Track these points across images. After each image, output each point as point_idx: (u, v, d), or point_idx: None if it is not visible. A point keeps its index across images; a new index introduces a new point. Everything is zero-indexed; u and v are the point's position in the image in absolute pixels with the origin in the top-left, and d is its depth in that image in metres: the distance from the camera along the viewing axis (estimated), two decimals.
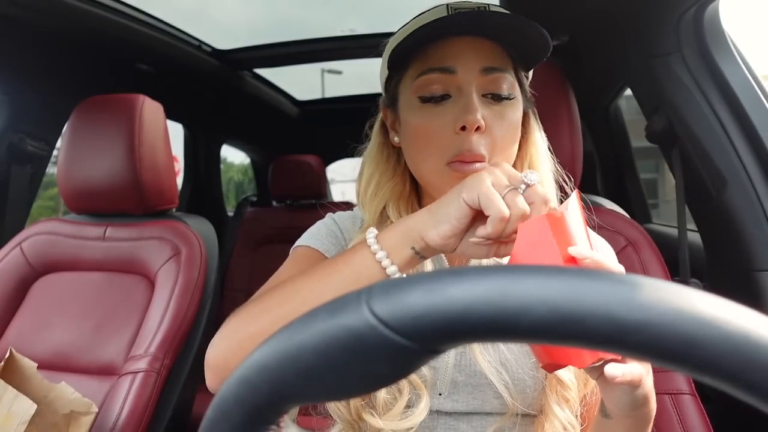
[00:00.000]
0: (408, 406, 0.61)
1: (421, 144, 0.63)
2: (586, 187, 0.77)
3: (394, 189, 0.69)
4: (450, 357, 0.64)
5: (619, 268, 0.48)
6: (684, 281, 1.08)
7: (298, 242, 0.72)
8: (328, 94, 2.97)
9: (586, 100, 1.33)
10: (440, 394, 0.64)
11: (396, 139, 0.68)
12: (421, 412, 0.60)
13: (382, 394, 0.61)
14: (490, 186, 0.47)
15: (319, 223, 0.74)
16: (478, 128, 0.58)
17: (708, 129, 0.99)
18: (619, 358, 0.46)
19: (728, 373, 0.20)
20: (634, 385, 0.47)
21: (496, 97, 0.61)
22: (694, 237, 1.14)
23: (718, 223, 1.02)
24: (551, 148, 0.69)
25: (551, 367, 0.47)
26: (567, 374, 0.60)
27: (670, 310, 0.21)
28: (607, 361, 0.46)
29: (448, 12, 0.61)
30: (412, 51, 0.62)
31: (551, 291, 0.22)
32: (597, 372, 0.48)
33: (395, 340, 0.23)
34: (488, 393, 0.62)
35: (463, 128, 0.58)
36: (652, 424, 0.53)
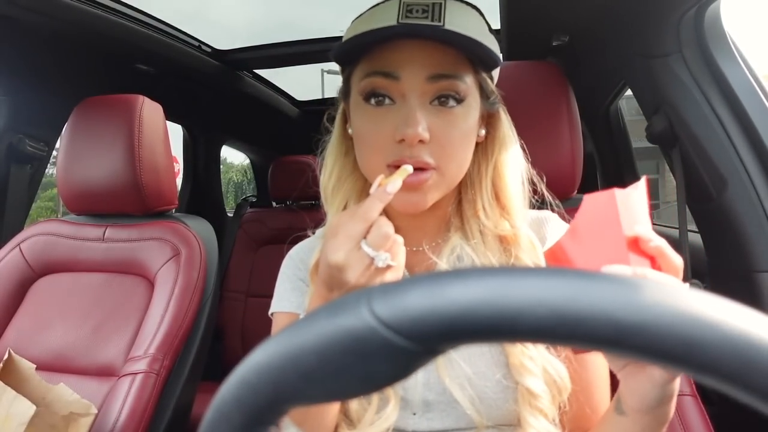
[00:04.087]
0: (377, 412, 0.61)
1: (364, 146, 0.62)
2: (586, 187, 0.76)
3: (355, 184, 0.68)
4: (418, 376, 0.63)
5: (678, 259, 0.45)
6: (684, 282, 1.08)
7: (272, 308, 0.72)
8: (328, 95, 2.98)
9: (586, 100, 1.33)
10: (414, 414, 0.63)
11: (350, 131, 0.66)
12: (389, 415, 0.60)
13: (354, 405, 0.61)
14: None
15: (280, 275, 0.74)
16: (421, 141, 0.57)
17: (709, 129, 0.98)
18: None
19: (728, 373, 0.20)
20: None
21: (443, 104, 0.59)
22: (695, 238, 1.14)
23: (718, 223, 1.02)
24: (548, 149, 0.69)
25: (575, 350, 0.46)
26: (538, 384, 0.59)
27: (671, 310, 0.21)
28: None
29: (399, 7, 0.58)
30: (356, 53, 0.61)
31: (551, 292, 0.22)
32: (621, 363, 0.47)
33: (396, 341, 0.23)
34: (459, 409, 0.61)
35: (403, 140, 0.57)
36: (667, 425, 0.50)
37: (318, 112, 0.73)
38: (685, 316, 0.21)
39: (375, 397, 0.61)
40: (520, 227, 0.64)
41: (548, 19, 1.21)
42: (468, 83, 0.59)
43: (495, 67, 0.63)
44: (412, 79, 0.58)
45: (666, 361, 0.21)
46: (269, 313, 0.72)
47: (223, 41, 1.85)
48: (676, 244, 1.11)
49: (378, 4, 0.62)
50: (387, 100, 0.59)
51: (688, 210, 1.11)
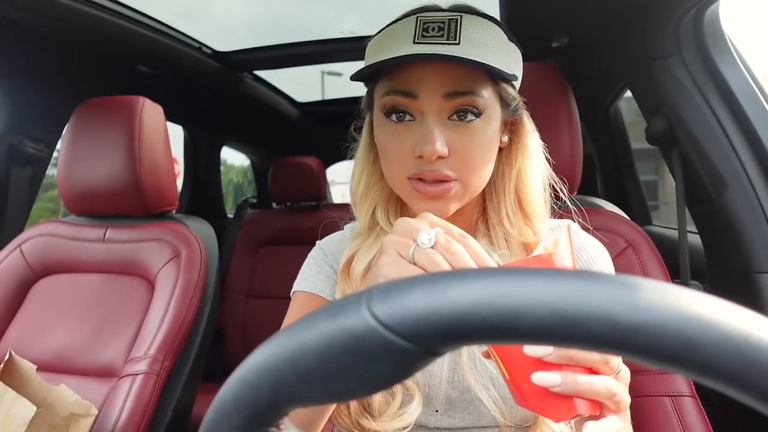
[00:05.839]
0: (401, 407, 0.61)
1: (386, 158, 0.64)
2: (586, 189, 0.77)
3: (383, 191, 0.69)
4: (443, 373, 0.64)
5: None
6: (684, 283, 1.08)
7: (295, 286, 0.73)
8: (328, 96, 2.97)
9: (586, 101, 1.33)
10: (437, 411, 0.64)
11: (377, 139, 0.68)
12: (413, 411, 0.61)
13: (377, 398, 0.62)
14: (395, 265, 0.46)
15: (308, 260, 0.75)
16: (440, 156, 0.58)
17: (708, 131, 0.98)
18: (596, 414, 0.43)
19: (728, 374, 0.20)
20: None
21: (461, 118, 0.59)
22: (694, 239, 1.14)
23: (718, 224, 1.02)
24: (548, 150, 0.69)
25: (527, 407, 0.45)
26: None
27: (670, 312, 0.21)
28: (583, 418, 0.44)
29: (416, 26, 0.59)
30: (376, 75, 0.62)
31: (551, 293, 0.22)
32: (578, 426, 0.47)
33: (395, 342, 0.23)
34: (482, 408, 0.62)
35: (422, 156, 0.58)
36: None
37: (318, 113, 0.74)
38: (685, 317, 0.21)
39: (399, 392, 0.61)
40: (543, 234, 0.65)
41: (548, 20, 1.21)
42: (486, 96, 0.60)
43: (514, 80, 0.63)
44: (429, 97, 0.58)
45: (666, 362, 0.21)
46: (291, 292, 0.73)
47: (223, 42, 1.85)
48: (676, 245, 1.11)
49: (395, 21, 0.63)
50: (407, 116, 0.60)
51: (687, 211, 1.11)
